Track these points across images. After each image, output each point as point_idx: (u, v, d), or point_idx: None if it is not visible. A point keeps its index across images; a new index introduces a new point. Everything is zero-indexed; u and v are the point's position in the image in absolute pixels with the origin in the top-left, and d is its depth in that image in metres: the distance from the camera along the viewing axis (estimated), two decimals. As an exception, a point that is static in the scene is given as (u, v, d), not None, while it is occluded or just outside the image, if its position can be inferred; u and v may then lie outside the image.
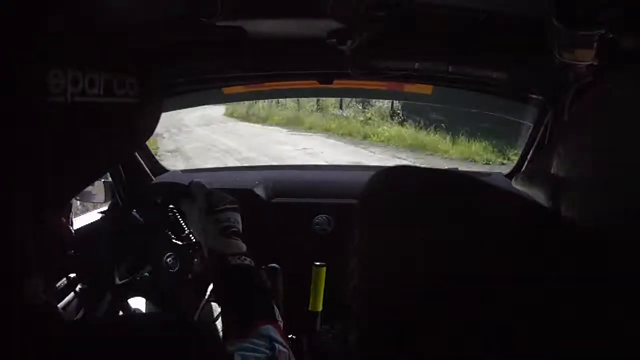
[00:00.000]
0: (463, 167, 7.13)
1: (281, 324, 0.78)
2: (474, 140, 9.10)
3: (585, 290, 0.24)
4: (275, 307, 0.81)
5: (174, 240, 1.36)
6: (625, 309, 0.23)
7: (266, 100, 14.12)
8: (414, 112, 10.79)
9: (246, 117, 14.83)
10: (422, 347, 0.26)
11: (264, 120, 14.41)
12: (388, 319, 0.28)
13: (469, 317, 0.25)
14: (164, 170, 1.83)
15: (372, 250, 0.30)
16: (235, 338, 0.71)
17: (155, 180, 1.72)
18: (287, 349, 0.71)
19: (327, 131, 11.81)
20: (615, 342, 0.23)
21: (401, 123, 11.02)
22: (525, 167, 1.51)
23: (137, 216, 1.39)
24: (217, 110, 15.93)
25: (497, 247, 0.25)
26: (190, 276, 1.34)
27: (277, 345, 0.69)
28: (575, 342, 0.23)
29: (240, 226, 0.90)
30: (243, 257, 0.84)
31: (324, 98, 12.38)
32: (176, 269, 1.31)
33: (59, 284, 1.16)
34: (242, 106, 15.36)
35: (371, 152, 9.55)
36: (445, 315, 0.25)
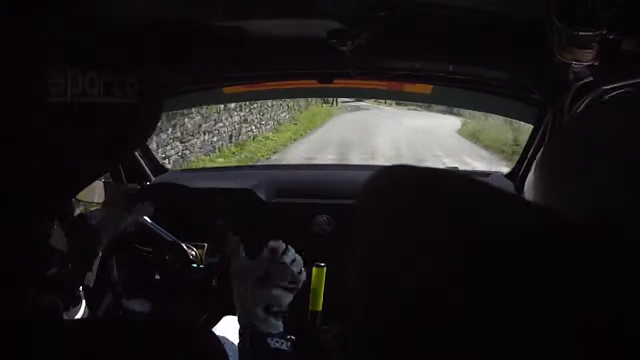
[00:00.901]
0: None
1: None
2: None
3: (580, 292, 0.24)
4: None
5: (174, 240, 1.36)
6: (624, 309, 0.23)
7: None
8: None
9: (492, 147, 7.72)
10: (422, 347, 0.26)
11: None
12: (387, 320, 0.28)
13: (468, 318, 0.25)
14: (164, 170, 1.83)
15: (371, 250, 0.30)
16: None
17: (155, 180, 1.72)
18: None
19: None
20: (616, 342, 0.23)
21: None
22: (525, 167, 1.51)
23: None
24: (449, 122, 9.67)
25: (495, 248, 0.25)
26: (190, 276, 1.34)
27: None
28: (572, 342, 0.23)
29: (285, 308, 0.86)
30: (282, 340, 0.82)
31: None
32: (175, 269, 1.31)
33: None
34: (484, 122, 8.27)
35: None
36: (445, 316, 0.25)
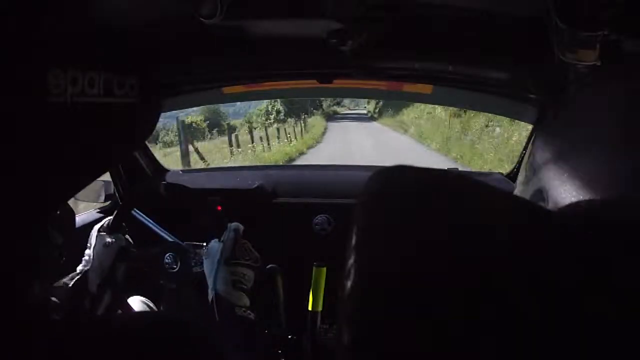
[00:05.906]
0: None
1: None
2: None
3: (582, 291, 0.24)
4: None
5: (174, 240, 1.36)
6: (626, 308, 0.23)
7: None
8: None
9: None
10: (422, 347, 0.26)
11: None
12: (387, 320, 0.28)
13: (468, 319, 0.25)
14: (164, 169, 1.83)
15: (370, 250, 0.30)
16: None
17: (155, 180, 1.72)
18: None
19: None
20: (616, 342, 0.23)
21: None
22: (523, 167, 1.51)
23: (138, 216, 1.39)
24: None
25: (494, 248, 0.25)
26: (190, 276, 1.34)
27: None
28: (574, 340, 0.23)
29: (250, 285, 1.01)
30: (248, 311, 0.95)
31: None
32: (176, 269, 1.31)
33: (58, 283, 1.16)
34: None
35: None
36: (444, 317, 0.25)
